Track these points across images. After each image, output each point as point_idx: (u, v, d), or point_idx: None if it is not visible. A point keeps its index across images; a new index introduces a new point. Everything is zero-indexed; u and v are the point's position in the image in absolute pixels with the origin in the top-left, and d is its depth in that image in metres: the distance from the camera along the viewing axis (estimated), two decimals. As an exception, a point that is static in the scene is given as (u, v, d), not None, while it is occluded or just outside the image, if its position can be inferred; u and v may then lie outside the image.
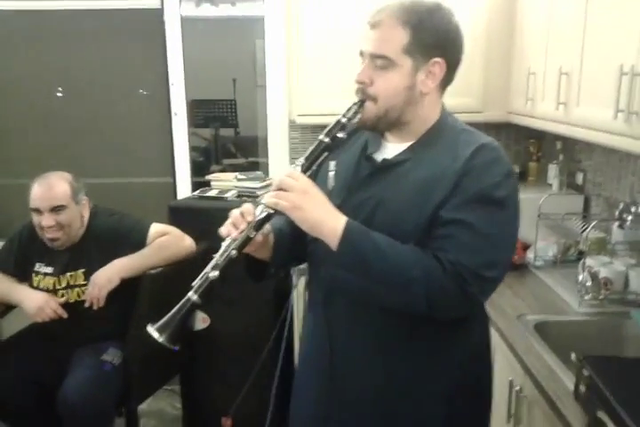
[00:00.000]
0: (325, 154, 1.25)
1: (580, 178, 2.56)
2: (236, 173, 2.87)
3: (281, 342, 1.97)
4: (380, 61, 1.22)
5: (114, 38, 3.32)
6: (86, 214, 2.31)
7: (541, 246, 2.34)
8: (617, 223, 2.03)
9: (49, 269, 2.30)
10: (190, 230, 2.43)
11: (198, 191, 2.78)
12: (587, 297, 1.94)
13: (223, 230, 1.23)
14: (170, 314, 1.22)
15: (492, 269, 1.18)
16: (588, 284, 1.95)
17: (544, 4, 2.23)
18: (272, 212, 1.21)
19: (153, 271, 2.30)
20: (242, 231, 1.21)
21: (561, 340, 1.76)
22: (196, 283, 1.22)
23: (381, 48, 1.21)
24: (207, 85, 4.70)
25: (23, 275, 2.34)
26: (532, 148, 2.92)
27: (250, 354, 2.47)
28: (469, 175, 1.19)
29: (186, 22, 3.11)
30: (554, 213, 2.34)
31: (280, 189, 1.19)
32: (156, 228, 2.36)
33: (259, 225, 1.22)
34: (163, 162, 3.21)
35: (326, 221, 1.18)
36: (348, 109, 1.25)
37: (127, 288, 2.24)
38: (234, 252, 1.21)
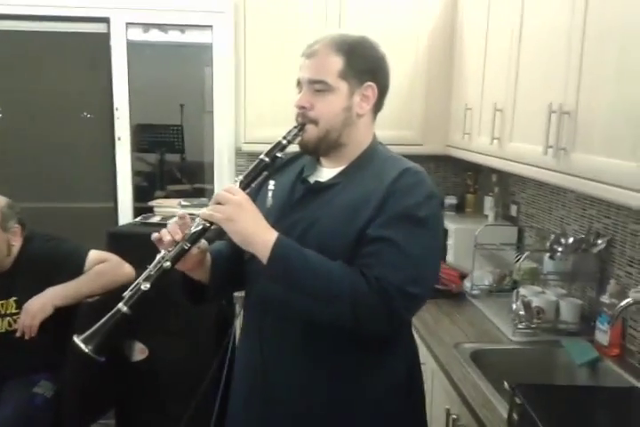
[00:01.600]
0: (265, 173, 1.31)
1: (514, 210, 2.66)
2: (180, 200, 2.84)
3: (222, 371, 1.94)
4: (319, 86, 1.31)
5: (60, 61, 3.28)
6: (16, 242, 2.23)
7: (478, 275, 2.41)
8: (548, 254, 2.11)
9: (-21, 297, 2.21)
10: (131, 257, 2.37)
11: (140, 217, 2.73)
12: (520, 326, 2.00)
13: (154, 235, 1.26)
14: (98, 324, 1.21)
15: (416, 286, 1.23)
16: (521, 313, 2.02)
17: (480, 41, 2.34)
18: (207, 225, 1.24)
19: (90, 300, 2.23)
20: (176, 243, 1.23)
21: (496, 368, 1.80)
22: (126, 294, 1.23)
23: (319, 74, 1.31)
24: (155, 110, 4.67)
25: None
26: (469, 180, 3.03)
27: (189, 385, 2.41)
28: (393, 196, 1.26)
29: (134, 47, 3.11)
30: (489, 243, 2.42)
31: (217, 202, 1.23)
32: (94, 255, 2.30)
33: (194, 238, 1.24)
34: (105, 187, 3.15)
35: (258, 234, 1.23)
36: (289, 132, 1.32)
37: (61, 317, 2.17)
38: (167, 263, 1.23)
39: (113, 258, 2.32)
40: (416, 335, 2.05)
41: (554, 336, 1.97)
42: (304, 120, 1.31)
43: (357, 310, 1.20)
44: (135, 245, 2.57)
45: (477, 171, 2.98)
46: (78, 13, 2.88)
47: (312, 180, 1.38)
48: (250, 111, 2.71)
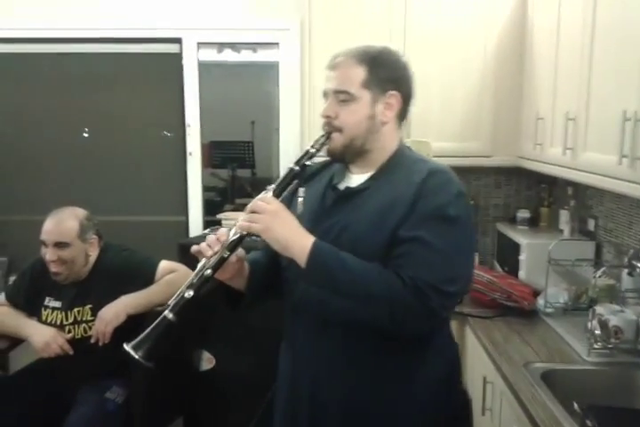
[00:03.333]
0: (295, 181, 1.37)
1: (591, 224, 2.53)
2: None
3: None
4: (343, 96, 1.36)
5: (134, 81, 3.44)
6: (93, 253, 2.34)
7: (552, 293, 2.30)
8: (626, 270, 2.00)
9: (57, 304, 2.32)
10: (199, 269, 2.43)
11: (208, 230, 2.80)
12: (596, 346, 1.89)
13: (194, 248, 1.32)
14: (146, 332, 1.27)
15: (451, 284, 1.26)
16: (598, 332, 1.91)
17: (551, 49, 2.27)
18: (245, 233, 1.29)
19: (160, 308, 2.30)
20: (216, 252, 1.29)
21: (568, 389, 1.71)
22: (171, 302, 1.29)
23: (343, 84, 1.36)
24: (227, 127, 4.81)
25: (33, 309, 2.36)
26: (543, 193, 2.92)
27: (254, 395, 2.43)
28: (423, 197, 1.30)
29: (208, 67, 3.22)
30: (565, 258, 2.32)
31: (253, 211, 1.28)
32: (164, 265, 2.38)
33: (232, 246, 1.30)
34: (178, 201, 3.26)
35: (296, 240, 1.28)
36: (316, 140, 1.38)
37: (134, 325, 2.24)
38: (208, 271, 1.28)
39: (182, 268, 2.39)
40: (484, 353, 2.01)
41: (633, 358, 1.85)
42: (330, 129, 1.37)
43: (395, 311, 1.24)
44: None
45: (552, 183, 2.87)
46: (152, 35, 3.01)
47: (342, 186, 1.43)
48: (314, 127, 2.73)
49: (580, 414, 1.37)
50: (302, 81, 2.86)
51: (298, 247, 1.27)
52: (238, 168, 5.06)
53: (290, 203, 1.42)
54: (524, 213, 2.87)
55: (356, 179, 1.42)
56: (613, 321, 1.91)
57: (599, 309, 1.99)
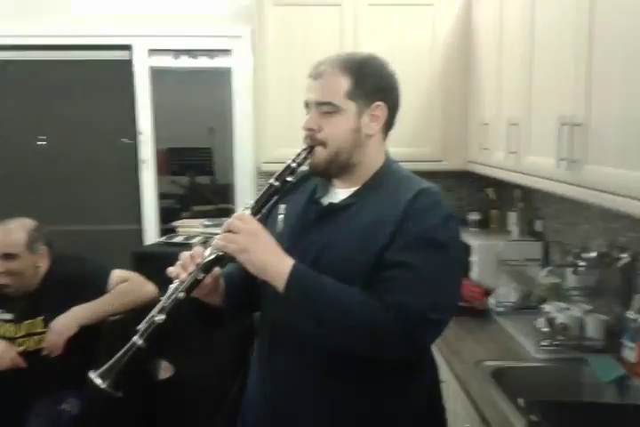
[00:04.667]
0: (275, 197, 1.29)
1: (539, 225, 2.61)
2: (203, 220, 2.89)
3: (243, 390, 1.95)
4: (326, 107, 1.27)
5: (86, 88, 3.40)
6: (43, 264, 2.30)
7: (502, 292, 2.37)
8: (571, 269, 2.07)
9: (8, 316, 2.27)
10: (154, 277, 2.42)
11: (164, 238, 2.79)
12: (544, 343, 1.95)
13: (172, 271, 1.25)
14: (114, 359, 1.20)
15: (437, 312, 1.19)
16: (545, 329, 1.97)
17: (494, 57, 2.35)
18: (221, 254, 1.23)
19: (113, 318, 2.28)
20: (190, 273, 1.22)
21: (519, 386, 1.75)
22: (141, 326, 1.21)
23: (326, 95, 1.27)
24: (186, 134, 4.78)
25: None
26: (491, 195, 2.99)
27: (214, 403, 2.43)
28: (410, 219, 1.22)
29: (164, 73, 3.20)
30: (514, 259, 2.38)
31: (229, 231, 1.21)
32: (117, 274, 2.35)
33: (207, 267, 1.23)
34: (132, 209, 3.23)
35: (273, 263, 1.20)
36: (298, 155, 1.29)
37: (87, 335, 2.21)
38: (181, 294, 1.21)
39: (135, 277, 2.37)
40: (437, 353, 2.04)
41: (579, 353, 1.91)
42: (312, 143, 1.29)
43: (377, 340, 1.18)
44: (159, 265, 2.59)
45: (500, 186, 2.95)
46: (101, 42, 2.99)
47: (325, 201, 1.35)
48: (268, 132, 2.75)
49: (526, 410, 1.41)
50: (255, 87, 2.88)
51: (275, 271, 1.20)
52: (198, 175, 5.04)
53: (267, 220, 1.35)
54: (474, 216, 2.94)
55: (340, 194, 1.34)
56: (560, 318, 1.98)
57: (547, 307, 2.05)
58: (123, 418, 2.42)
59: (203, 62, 3.97)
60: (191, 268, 1.23)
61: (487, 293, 2.43)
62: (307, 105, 1.32)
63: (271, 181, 1.28)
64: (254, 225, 1.22)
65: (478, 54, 2.61)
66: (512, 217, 2.74)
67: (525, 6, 1.99)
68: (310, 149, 1.29)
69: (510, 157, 2.11)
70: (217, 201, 4.75)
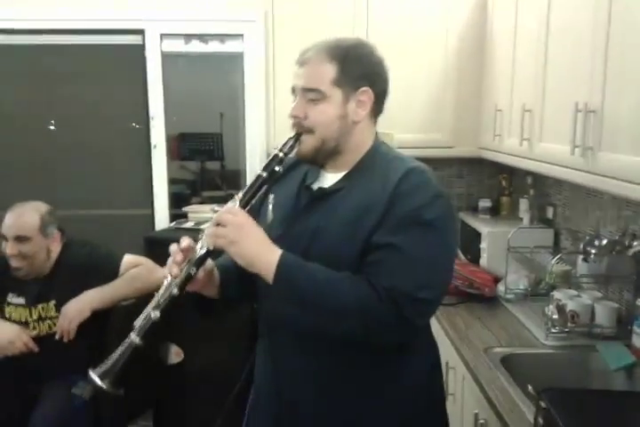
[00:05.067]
0: (264, 188, 1.30)
1: (550, 212, 2.60)
2: (213, 205, 2.90)
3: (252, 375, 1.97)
4: (312, 94, 1.27)
5: (99, 73, 3.40)
6: (55, 248, 2.31)
7: (512, 279, 2.37)
8: (581, 257, 2.06)
9: (21, 300, 2.30)
10: (165, 262, 2.43)
11: (174, 223, 2.80)
12: (553, 330, 1.96)
13: (167, 271, 1.25)
14: (112, 359, 1.21)
15: (426, 291, 1.20)
16: (555, 317, 1.97)
17: (509, 44, 2.32)
18: (211, 248, 1.23)
19: (124, 303, 2.30)
20: (182, 269, 1.23)
21: (527, 373, 1.77)
22: (137, 324, 1.22)
23: (312, 82, 1.27)
24: (196, 119, 4.78)
25: (-6, 306, 2.33)
26: (503, 182, 2.98)
27: (224, 388, 2.45)
28: (398, 200, 1.23)
29: (175, 58, 3.18)
30: (525, 246, 2.38)
31: (218, 224, 1.21)
32: (128, 259, 2.37)
33: (199, 262, 1.24)
34: (144, 194, 3.24)
35: (261, 255, 1.21)
36: (285, 144, 1.29)
37: (99, 320, 2.24)
38: (175, 290, 1.22)
39: (147, 262, 2.38)
40: (446, 339, 2.06)
41: (589, 341, 1.92)
42: (299, 130, 1.29)
43: (368, 323, 1.19)
44: (168, 250, 2.65)
45: (512, 173, 2.94)
46: (114, 26, 2.97)
47: (316, 186, 1.35)
48: (279, 118, 2.74)
49: (535, 397, 1.42)
50: (267, 72, 2.87)
51: (264, 263, 1.21)
52: (207, 160, 5.04)
53: (258, 211, 1.36)
54: (485, 203, 2.93)
55: (330, 178, 1.34)
56: (570, 306, 1.98)
57: (557, 294, 2.05)
58: (134, 402, 2.45)
59: (214, 47, 3.96)
60: (183, 263, 1.23)
61: (497, 280, 2.43)
62: (293, 91, 1.32)
63: (259, 171, 1.28)
64: (243, 218, 1.22)
65: (493, 40, 2.58)
66: (523, 204, 2.73)
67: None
68: (297, 138, 1.29)
69: (524, 144, 2.10)
70: (226, 186, 4.75)
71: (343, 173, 1.33)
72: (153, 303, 1.23)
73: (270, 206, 1.38)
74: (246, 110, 3.09)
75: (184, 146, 4.89)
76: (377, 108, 1.34)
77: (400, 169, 1.26)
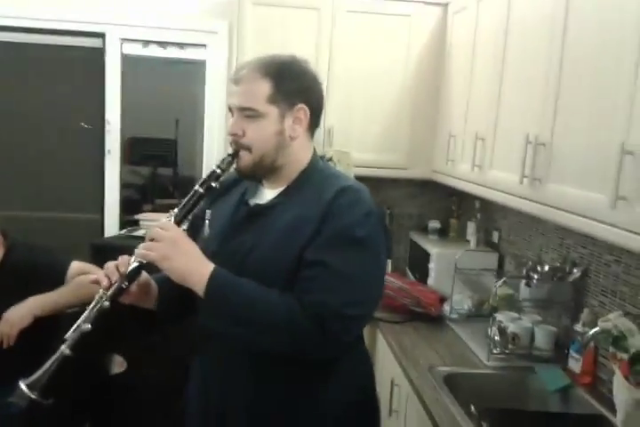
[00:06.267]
0: (201, 203, 1.32)
1: (495, 236, 2.70)
2: (167, 214, 2.86)
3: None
4: (248, 112, 1.29)
5: (55, 73, 3.33)
6: None
7: (457, 300, 2.43)
8: (524, 281, 2.14)
9: (-41, 305, 2.21)
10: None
11: (125, 230, 2.75)
12: (495, 351, 2.02)
13: (91, 277, 1.29)
14: (42, 369, 1.23)
15: (354, 308, 1.22)
16: (497, 338, 2.04)
17: (466, 71, 2.41)
18: (144, 262, 1.24)
19: (69, 311, 2.24)
20: (114, 282, 1.24)
21: (469, 392, 1.82)
22: (68, 335, 1.24)
23: (247, 101, 1.29)
24: (150, 124, 4.72)
25: None
26: (453, 205, 3.07)
27: (165, 400, 2.42)
28: (330, 217, 1.25)
29: (132, 61, 3.15)
30: (470, 268, 2.45)
31: (152, 239, 1.23)
32: (76, 266, 2.30)
33: (130, 276, 1.25)
34: (93, 198, 3.18)
35: (193, 270, 1.23)
36: (223, 160, 1.31)
37: (42, 327, 2.17)
38: (106, 303, 1.24)
39: (94, 270, 2.32)
40: (392, 357, 2.10)
41: (528, 362, 1.99)
42: (237, 147, 1.30)
43: (295, 339, 1.21)
44: (118, 258, 2.61)
45: (461, 196, 3.02)
46: (75, 28, 2.92)
47: (253, 202, 1.38)
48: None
49: (476, 417, 1.47)
50: (229, 82, 2.87)
51: (196, 278, 1.22)
52: (160, 166, 4.97)
53: (197, 226, 1.37)
54: (434, 224, 3.02)
55: (268, 194, 1.37)
56: (511, 328, 2.05)
57: (499, 316, 2.12)
58: (72, 413, 2.39)
59: (172, 52, 3.93)
60: (114, 277, 1.24)
61: (443, 299, 2.49)
62: (230, 109, 1.34)
63: (195, 187, 1.29)
64: (175, 233, 1.23)
65: (450, 67, 2.67)
66: (471, 227, 2.82)
67: (499, 26, 2.05)
68: (235, 154, 1.31)
69: (475, 170, 2.17)
70: (178, 193, 4.70)
71: (280, 189, 1.36)
72: (84, 317, 1.24)
73: (207, 222, 1.39)
74: (205, 118, 3.09)
75: (136, 150, 4.81)
76: (313, 124, 1.37)
77: (335, 187, 1.29)
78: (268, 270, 1.26)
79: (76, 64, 3.25)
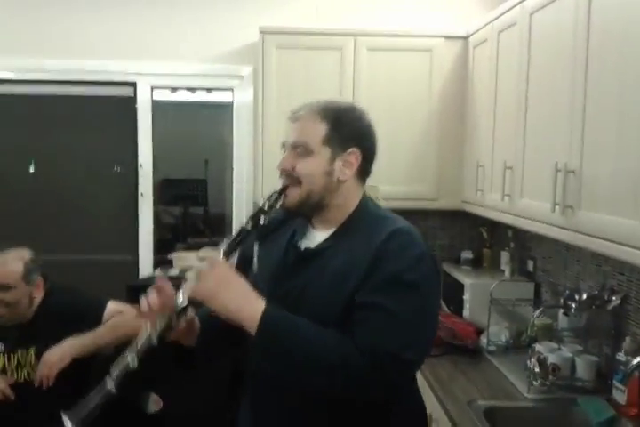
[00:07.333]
0: (254, 238, 1.32)
1: (530, 265, 2.66)
2: (199, 252, 2.90)
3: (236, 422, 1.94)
4: (301, 149, 1.31)
5: (88, 122, 3.47)
6: (38, 295, 2.29)
7: (494, 332, 2.39)
8: (562, 310, 2.10)
9: (0, 346, 2.26)
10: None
11: (158, 269, 2.79)
12: (535, 383, 1.97)
13: (141, 314, 1.23)
14: (85, 403, 1.21)
15: (410, 351, 1.20)
16: (537, 369, 1.99)
17: (490, 101, 2.42)
18: (193, 299, 1.22)
19: (107, 352, 2.26)
20: (161, 318, 1.22)
21: (509, 425, 1.78)
22: (114, 370, 1.22)
23: (302, 138, 1.32)
24: (181, 165, 4.84)
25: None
26: (484, 234, 3.04)
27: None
28: (382, 260, 1.24)
29: (162, 106, 3.26)
30: (506, 298, 2.42)
31: (199, 275, 1.20)
32: (112, 306, 2.35)
33: (179, 313, 1.23)
34: (127, 240, 3.24)
35: (244, 307, 1.20)
36: (270, 196, 1.32)
37: (80, 368, 2.20)
38: (154, 340, 1.21)
39: (130, 310, 2.36)
40: (430, 391, 2.07)
41: (570, 394, 1.94)
42: (288, 181, 1.32)
43: (350, 381, 1.18)
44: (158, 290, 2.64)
45: (493, 226, 3.01)
46: (106, 78, 3.05)
47: (303, 244, 1.37)
48: (267, 167, 2.80)
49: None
50: (255, 123, 2.95)
51: (246, 316, 1.19)
52: (191, 206, 5.07)
53: (243, 262, 1.37)
54: (467, 254, 2.99)
55: (318, 236, 1.36)
56: (551, 359, 2.01)
57: (538, 347, 2.08)
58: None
59: (201, 96, 4.06)
60: (158, 309, 1.22)
61: (479, 331, 2.46)
62: (283, 146, 1.36)
63: (243, 224, 1.30)
64: (224, 270, 1.22)
65: (474, 98, 2.69)
66: (504, 256, 2.79)
67: (522, 55, 2.08)
68: (282, 191, 1.32)
69: (505, 200, 2.17)
70: (209, 232, 4.77)
71: (330, 232, 1.36)
72: (131, 351, 1.22)
73: (255, 258, 1.37)
74: (234, 159, 3.16)
75: (168, 191, 4.93)
76: (364, 169, 1.37)
77: (385, 230, 1.28)
78: (319, 314, 1.24)
79: (107, 113, 3.38)
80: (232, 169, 3.20)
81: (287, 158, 1.33)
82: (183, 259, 2.89)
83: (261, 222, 1.30)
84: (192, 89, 3.78)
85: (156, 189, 3.26)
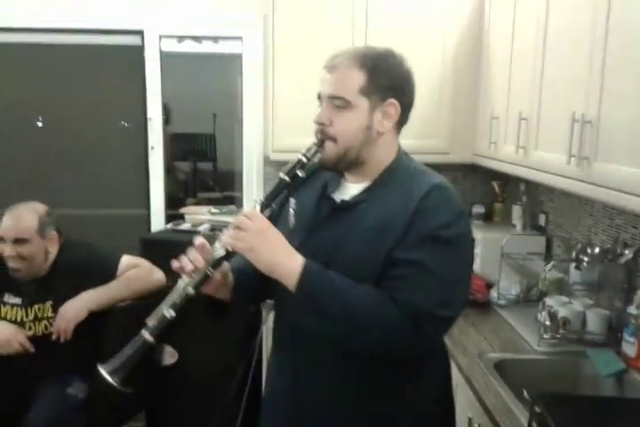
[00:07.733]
0: (285, 192, 1.29)
1: (542, 219, 2.64)
2: (210, 207, 2.91)
3: (248, 376, 1.97)
4: (339, 102, 1.26)
5: (96, 72, 3.41)
6: (53, 249, 2.31)
7: (504, 285, 2.40)
8: (574, 264, 2.10)
9: (17, 300, 2.29)
10: (162, 263, 2.44)
11: (171, 224, 2.80)
12: (545, 336, 1.99)
13: (175, 264, 1.23)
14: (123, 355, 1.20)
15: (446, 309, 1.20)
16: (547, 323, 2.00)
17: (506, 51, 2.34)
18: (230, 251, 1.22)
19: (122, 304, 2.30)
20: (198, 269, 1.21)
21: (520, 378, 1.79)
22: (150, 321, 1.21)
23: (339, 89, 1.26)
24: (189, 120, 4.79)
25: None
26: (497, 189, 3.01)
27: (217, 389, 2.46)
28: (421, 216, 1.21)
29: (168, 58, 3.19)
30: (517, 252, 2.41)
31: (237, 228, 1.20)
32: (126, 260, 2.37)
33: (216, 264, 1.22)
34: (139, 194, 3.25)
35: (283, 262, 1.19)
36: (308, 149, 1.28)
37: (95, 321, 2.24)
38: (191, 290, 1.21)
39: (144, 264, 2.39)
40: (440, 344, 2.08)
41: (579, 347, 1.95)
42: (323, 137, 1.27)
43: (387, 338, 1.19)
44: (166, 251, 2.63)
45: (505, 180, 2.97)
46: (113, 26, 2.98)
47: (337, 197, 1.33)
48: (278, 120, 2.75)
49: (530, 402, 1.45)
50: (265, 74, 2.88)
51: (285, 270, 1.19)
52: (199, 161, 5.05)
53: (278, 216, 1.35)
54: (478, 209, 2.97)
55: (352, 189, 1.33)
56: (562, 312, 2.01)
57: (549, 301, 2.08)
58: (127, 402, 2.46)
59: (207, 47, 3.97)
60: (199, 263, 1.21)
61: (489, 285, 2.46)
62: (319, 97, 1.30)
63: (281, 175, 1.26)
64: (263, 223, 1.20)
65: (489, 47, 2.61)
66: (516, 211, 2.76)
67: (540, 2, 2.00)
68: (320, 144, 1.27)
69: (519, 152, 2.13)
70: (218, 188, 4.77)
71: (364, 185, 1.32)
72: (168, 302, 1.21)
73: (292, 211, 1.35)
74: (244, 112, 3.10)
75: (177, 146, 4.90)
76: (402, 120, 1.32)
77: (423, 185, 1.25)
78: (356, 268, 1.22)
79: (113, 62, 3.31)
80: (241, 123, 3.15)
81: (324, 112, 1.27)
82: (194, 213, 2.89)
83: (299, 175, 1.27)
84: (198, 39, 3.69)
85: (166, 143, 3.23)
